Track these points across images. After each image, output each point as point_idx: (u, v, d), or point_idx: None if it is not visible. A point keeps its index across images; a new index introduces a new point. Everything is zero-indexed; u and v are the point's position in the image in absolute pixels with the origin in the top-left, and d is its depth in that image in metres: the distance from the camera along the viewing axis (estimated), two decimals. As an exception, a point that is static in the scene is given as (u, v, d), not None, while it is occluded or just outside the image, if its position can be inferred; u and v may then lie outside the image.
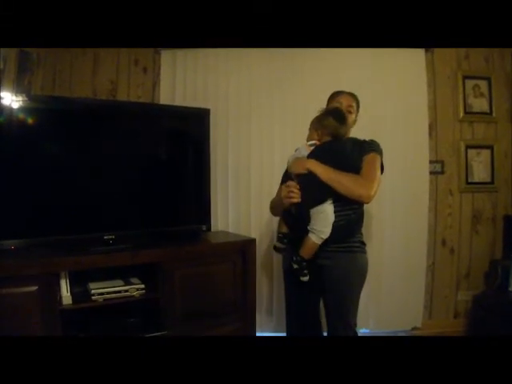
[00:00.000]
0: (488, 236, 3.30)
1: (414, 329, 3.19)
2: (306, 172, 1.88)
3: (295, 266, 1.94)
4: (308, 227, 1.90)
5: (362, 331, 3.12)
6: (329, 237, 1.90)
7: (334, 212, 1.90)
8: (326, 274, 1.97)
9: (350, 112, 2.12)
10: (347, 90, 2.18)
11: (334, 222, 1.90)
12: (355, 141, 2.03)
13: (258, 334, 2.60)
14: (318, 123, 2.01)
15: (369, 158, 1.93)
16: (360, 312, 3.00)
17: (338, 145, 1.97)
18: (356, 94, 2.88)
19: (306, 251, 1.93)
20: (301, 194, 1.89)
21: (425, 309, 3.21)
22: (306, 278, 1.94)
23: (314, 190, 1.88)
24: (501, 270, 3.05)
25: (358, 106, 2.18)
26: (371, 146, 1.97)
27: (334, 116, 1.98)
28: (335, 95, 2.19)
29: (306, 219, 1.89)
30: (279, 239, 2.10)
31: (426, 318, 3.23)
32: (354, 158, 1.92)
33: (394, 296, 3.09)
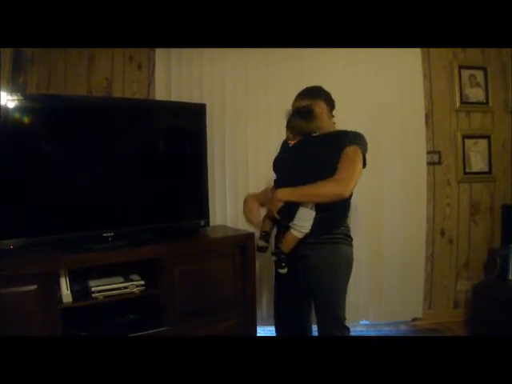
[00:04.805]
0: (486, 225, 3.31)
1: (414, 319, 3.21)
2: (283, 204, 1.93)
3: (274, 258, 2.00)
4: (289, 223, 1.93)
5: (363, 323, 3.14)
6: (311, 229, 1.93)
7: (316, 206, 1.93)
8: (308, 264, 1.99)
9: None
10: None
11: (317, 214, 1.93)
12: (336, 134, 2.02)
13: (258, 329, 2.61)
14: (287, 124, 2.06)
15: (348, 151, 1.91)
16: (360, 304, 3.06)
17: (310, 142, 1.99)
18: (352, 87, 2.89)
19: (287, 245, 1.97)
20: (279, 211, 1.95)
21: (425, 299, 3.23)
22: (284, 271, 1.98)
23: (287, 208, 1.93)
24: (500, 259, 3.06)
25: (325, 105, 2.12)
26: (352, 139, 1.95)
27: (300, 115, 2.01)
28: (296, 99, 2.18)
29: (289, 216, 1.93)
30: (263, 237, 2.09)
31: (426, 308, 3.25)
32: (329, 153, 1.92)
33: (393, 287, 3.10)
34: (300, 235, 1.93)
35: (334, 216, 1.99)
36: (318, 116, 2.03)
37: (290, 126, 2.05)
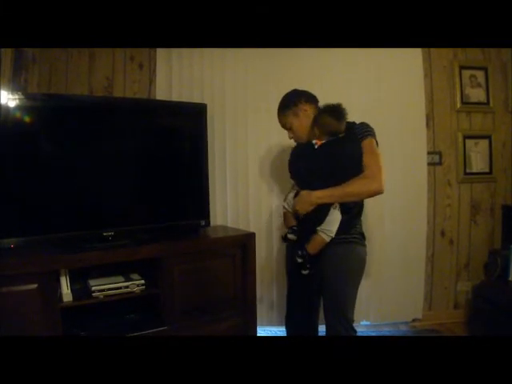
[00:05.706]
0: (487, 226, 3.30)
1: (414, 320, 3.21)
2: (313, 207, 1.93)
3: (300, 260, 1.96)
4: (317, 228, 1.93)
5: (363, 323, 3.14)
6: None
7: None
8: (323, 262, 1.99)
9: (291, 128, 2.11)
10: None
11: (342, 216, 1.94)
12: (348, 128, 1.99)
13: (258, 328, 2.61)
14: (314, 121, 2.01)
15: (365, 144, 1.92)
16: (361, 304, 3.04)
17: (338, 142, 1.96)
18: (352, 87, 2.87)
19: (314, 247, 1.95)
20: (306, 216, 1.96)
21: (425, 300, 3.22)
22: (307, 272, 1.97)
23: (319, 211, 1.92)
24: (500, 259, 3.05)
25: (309, 105, 2.10)
26: (364, 132, 1.95)
27: (330, 113, 1.97)
28: (278, 112, 2.16)
29: (317, 220, 1.93)
30: (293, 231, 2.03)
31: (426, 309, 3.24)
32: (353, 150, 1.92)
33: (394, 288, 3.10)
34: (328, 239, 1.93)
35: (352, 216, 2.00)
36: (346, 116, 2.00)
37: (319, 124, 1.98)
